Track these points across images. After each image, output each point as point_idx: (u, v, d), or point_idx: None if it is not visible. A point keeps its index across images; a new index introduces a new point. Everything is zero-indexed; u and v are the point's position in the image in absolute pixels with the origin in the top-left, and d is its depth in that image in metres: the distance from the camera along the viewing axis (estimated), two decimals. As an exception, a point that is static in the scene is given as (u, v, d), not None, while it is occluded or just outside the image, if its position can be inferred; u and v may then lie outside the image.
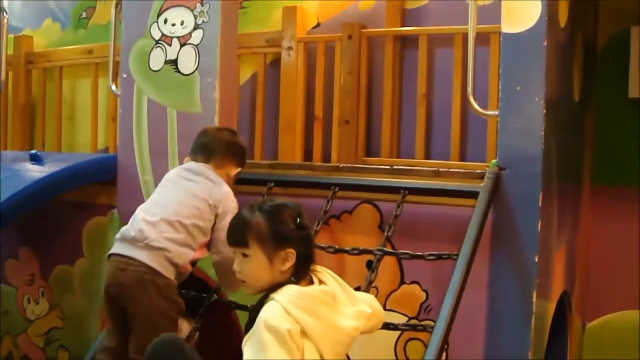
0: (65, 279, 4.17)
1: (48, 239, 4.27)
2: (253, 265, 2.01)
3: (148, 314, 2.69)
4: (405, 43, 4.30)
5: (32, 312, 4.35)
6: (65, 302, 4.20)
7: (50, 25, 5.53)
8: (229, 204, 2.87)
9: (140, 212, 2.85)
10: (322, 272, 2.10)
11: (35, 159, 3.87)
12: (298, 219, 2.05)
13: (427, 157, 4.12)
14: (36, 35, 5.42)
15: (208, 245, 2.87)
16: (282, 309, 1.90)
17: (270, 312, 1.91)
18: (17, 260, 4.39)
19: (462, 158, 4.03)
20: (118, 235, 2.83)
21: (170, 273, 2.74)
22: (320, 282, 2.05)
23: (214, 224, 2.84)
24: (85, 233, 4.07)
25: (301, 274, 2.03)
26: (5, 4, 4.75)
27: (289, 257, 2.00)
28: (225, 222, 2.68)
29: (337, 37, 4.34)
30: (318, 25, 4.63)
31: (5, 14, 4.51)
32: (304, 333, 1.91)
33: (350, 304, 2.04)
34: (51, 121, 5.14)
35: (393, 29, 4.30)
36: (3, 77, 4.56)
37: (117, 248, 2.80)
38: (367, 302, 2.16)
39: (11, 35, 5.29)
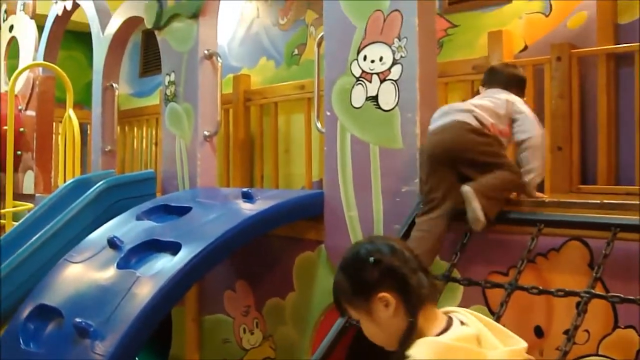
0: (278, 311, 4.31)
1: (261, 272, 4.43)
2: (366, 327, 1.82)
3: (474, 154, 3.17)
4: (620, 61, 4.01)
5: (248, 342, 4.54)
6: (278, 333, 4.33)
7: (265, 63, 5.79)
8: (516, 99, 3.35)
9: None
10: (462, 312, 1.85)
11: (247, 197, 4.04)
12: (371, 258, 1.78)
13: (649, 183, 3.80)
14: (253, 74, 5.69)
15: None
16: None
17: None
18: (234, 292, 4.61)
19: (690, 184, 3.67)
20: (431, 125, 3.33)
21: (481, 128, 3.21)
22: (461, 323, 1.80)
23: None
24: (296, 267, 4.18)
25: (413, 308, 1.76)
26: (224, 47, 5.02)
27: (385, 301, 1.77)
28: (517, 113, 3.26)
29: (545, 60, 4.14)
30: (525, 48, 4.46)
31: (219, 58, 4.76)
32: None
33: (502, 344, 1.77)
34: (268, 155, 5.35)
35: (605, 47, 4.03)
36: (219, 117, 4.81)
37: (432, 128, 3.31)
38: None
39: (231, 75, 5.60)
